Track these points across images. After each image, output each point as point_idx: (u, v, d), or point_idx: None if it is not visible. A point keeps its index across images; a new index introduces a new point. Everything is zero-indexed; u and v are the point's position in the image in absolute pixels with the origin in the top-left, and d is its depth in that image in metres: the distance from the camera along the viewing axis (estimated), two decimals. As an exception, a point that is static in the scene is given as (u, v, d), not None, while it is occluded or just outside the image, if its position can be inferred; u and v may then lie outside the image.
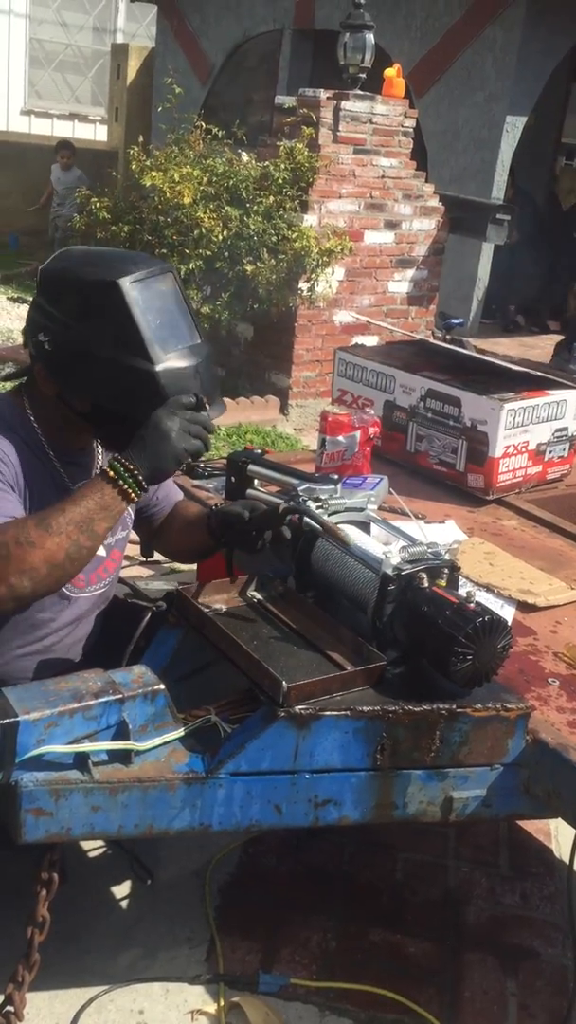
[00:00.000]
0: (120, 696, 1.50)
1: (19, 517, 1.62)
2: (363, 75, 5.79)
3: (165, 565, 3.37)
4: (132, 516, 1.97)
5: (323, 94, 5.65)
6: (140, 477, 1.61)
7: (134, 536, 2.06)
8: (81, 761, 1.48)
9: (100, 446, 1.85)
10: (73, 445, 1.80)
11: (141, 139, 5.87)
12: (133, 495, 1.61)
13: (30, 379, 1.76)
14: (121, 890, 2.07)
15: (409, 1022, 1.84)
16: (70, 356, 1.63)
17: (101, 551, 1.86)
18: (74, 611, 1.86)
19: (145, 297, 1.61)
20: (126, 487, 1.60)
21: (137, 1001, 1.82)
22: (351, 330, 5.95)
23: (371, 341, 5.80)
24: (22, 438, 1.72)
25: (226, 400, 5.56)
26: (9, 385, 1.92)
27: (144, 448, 1.61)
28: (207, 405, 1.65)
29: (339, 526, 1.88)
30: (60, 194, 9.53)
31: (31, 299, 1.73)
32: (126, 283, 1.59)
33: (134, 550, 2.30)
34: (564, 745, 1.65)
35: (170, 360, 1.61)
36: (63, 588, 1.76)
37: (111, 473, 1.60)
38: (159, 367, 1.60)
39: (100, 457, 1.86)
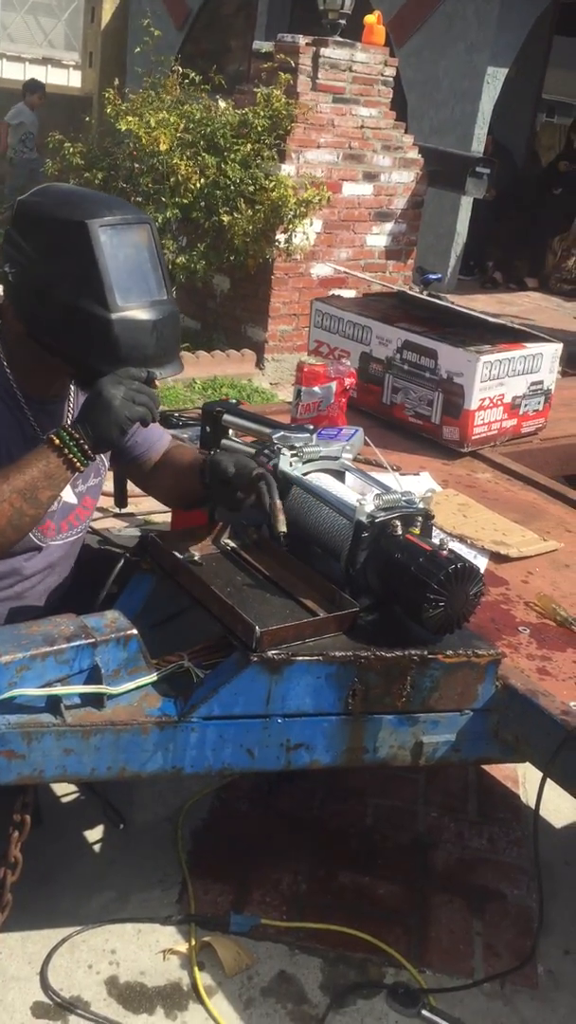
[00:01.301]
0: (93, 640, 1.50)
1: None
2: (343, 22, 5.68)
3: (139, 517, 3.36)
4: (106, 463, 1.95)
5: (302, 40, 5.55)
6: (85, 446, 1.59)
7: (108, 488, 2.04)
8: (53, 704, 1.48)
9: (75, 388, 1.82)
10: (46, 391, 1.77)
11: (117, 82, 5.74)
12: (78, 464, 1.60)
13: (3, 318, 1.73)
14: (94, 834, 2.09)
15: (377, 960, 1.88)
16: (32, 292, 1.61)
17: (72, 498, 1.85)
18: (45, 558, 1.85)
19: (114, 243, 1.57)
20: (71, 456, 1.59)
21: (109, 941, 1.85)
22: (328, 283, 5.91)
23: (349, 295, 5.75)
24: None
25: (201, 353, 5.53)
26: None
27: (87, 417, 1.59)
28: (156, 382, 1.63)
29: (314, 474, 1.89)
30: (28, 138, 9.27)
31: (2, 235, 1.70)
32: (95, 225, 1.55)
33: (108, 502, 2.28)
34: (533, 691, 1.67)
35: (128, 311, 1.58)
36: (32, 537, 1.75)
37: (56, 441, 1.59)
38: (115, 316, 1.56)
39: (73, 404, 1.83)
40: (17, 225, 1.63)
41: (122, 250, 1.59)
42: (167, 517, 2.61)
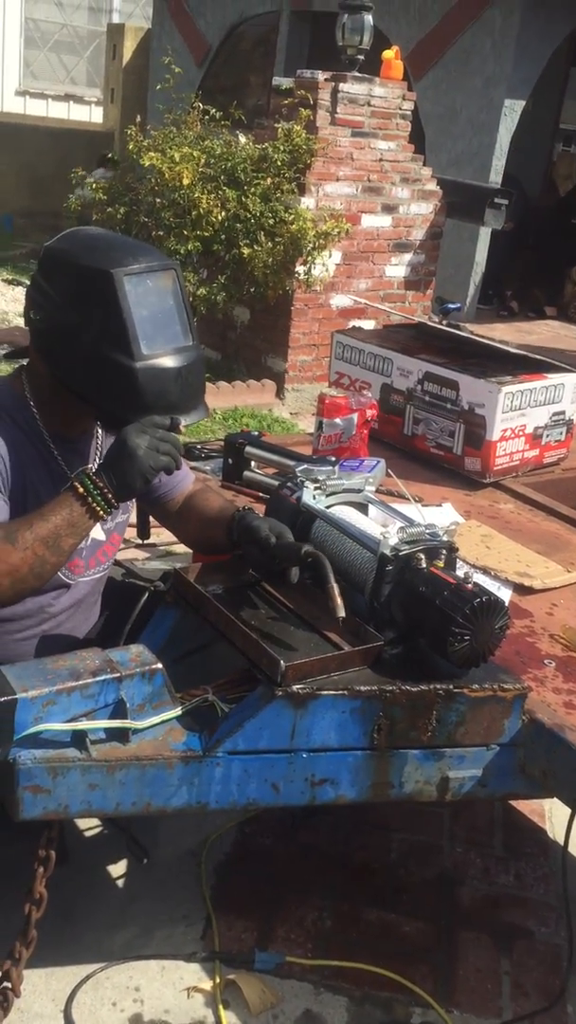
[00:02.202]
0: (118, 675, 1.50)
1: None
2: (361, 57, 5.75)
3: (161, 548, 3.37)
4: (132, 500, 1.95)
5: (321, 76, 5.62)
6: (109, 495, 1.60)
7: (132, 518, 2.05)
8: (79, 739, 1.48)
9: (100, 428, 1.84)
10: (72, 429, 1.78)
11: (138, 120, 5.83)
12: (101, 512, 1.61)
13: (29, 360, 1.75)
14: (118, 869, 2.08)
15: (403, 1000, 1.85)
16: (58, 337, 1.63)
17: (101, 535, 1.86)
18: (73, 596, 1.85)
19: (138, 291, 1.59)
20: (94, 504, 1.60)
21: (133, 978, 1.83)
22: (348, 314, 5.94)
23: (368, 325, 5.78)
24: (18, 424, 1.71)
25: (222, 383, 5.56)
26: (9, 367, 1.91)
27: (112, 466, 1.60)
28: (181, 428, 1.64)
29: (337, 507, 1.89)
30: None
31: (29, 278, 1.73)
32: (120, 274, 1.57)
33: (131, 532, 2.29)
34: (560, 725, 1.65)
35: (153, 359, 1.59)
36: (61, 575, 1.75)
37: (80, 489, 1.59)
38: (139, 365, 1.58)
39: (100, 441, 1.85)
40: (43, 271, 1.66)
41: (147, 298, 1.61)
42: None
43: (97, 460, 1.83)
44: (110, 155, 8.76)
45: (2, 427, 1.68)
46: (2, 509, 1.65)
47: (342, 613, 1.62)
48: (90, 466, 1.66)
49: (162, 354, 1.61)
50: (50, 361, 1.67)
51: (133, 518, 2.05)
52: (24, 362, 1.79)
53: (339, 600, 1.62)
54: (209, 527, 1.88)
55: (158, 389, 1.61)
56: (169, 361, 1.62)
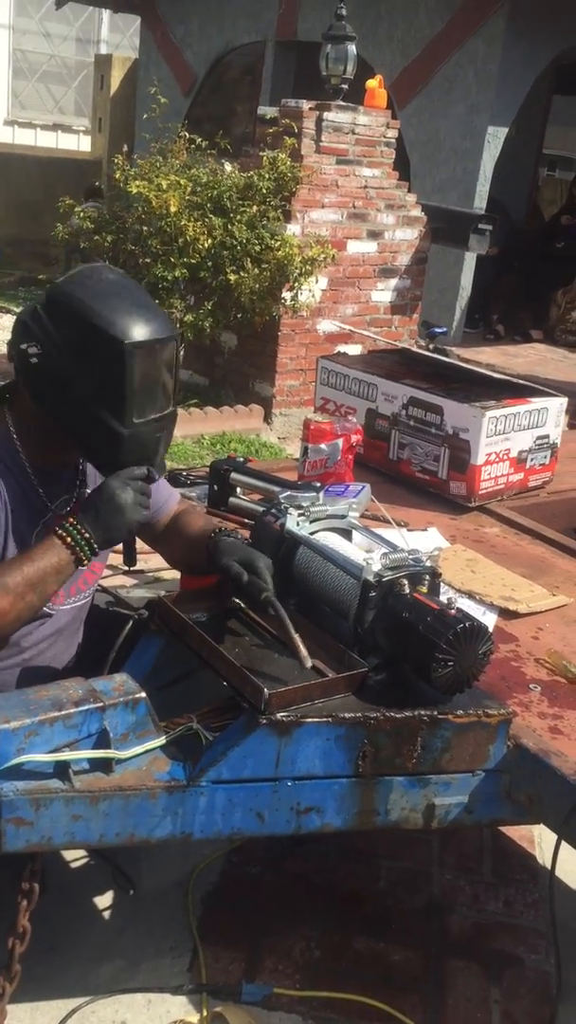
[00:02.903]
0: (101, 704, 1.49)
1: None
2: (345, 86, 5.82)
3: (149, 574, 3.36)
4: None
5: (305, 105, 5.68)
6: (94, 544, 1.64)
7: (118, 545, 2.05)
8: (62, 770, 1.47)
9: (86, 461, 1.84)
10: (56, 461, 1.79)
11: (125, 149, 5.87)
12: (85, 560, 1.65)
13: (13, 391, 1.75)
14: (103, 900, 2.06)
15: (393, 1030, 1.83)
16: (51, 379, 1.63)
17: None
18: (53, 624, 1.85)
19: (143, 364, 1.61)
20: (80, 552, 1.63)
21: (120, 1012, 1.81)
22: (335, 339, 5.97)
23: (354, 350, 5.81)
24: (0, 455, 1.71)
25: (210, 409, 5.58)
26: None
27: (98, 517, 1.64)
28: (155, 475, 1.69)
29: (321, 533, 1.89)
30: None
31: (19, 310, 1.73)
32: (131, 348, 1.58)
33: (117, 559, 2.29)
34: (545, 750, 1.65)
35: (139, 427, 1.63)
36: None
37: (68, 539, 1.62)
38: (127, 432, 1.62)
39: (82, 469, 1.85)
40: (50, 311, 1.64)
41: (147, 368, 1.63)
42: (176, 574, 2.61)
43: (77, 492, 1.83)
44: (98, 184, 8.83)
45: None
46: None
47: (309, 664, 1.62)
48: (72, 516, 1.66)
49: (148, 422, 1.65)
50: (39, 397, 1.67)
51: (118, 544, 2.05)
52: None
53: (303, 651, 1.63)
54: (191, 549, 1.89)
55: (140, 453, 1.67)
56: (153, 428, 1.66)
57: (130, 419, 1.61)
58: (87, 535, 1.63)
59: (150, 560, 2.58)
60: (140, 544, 2.12)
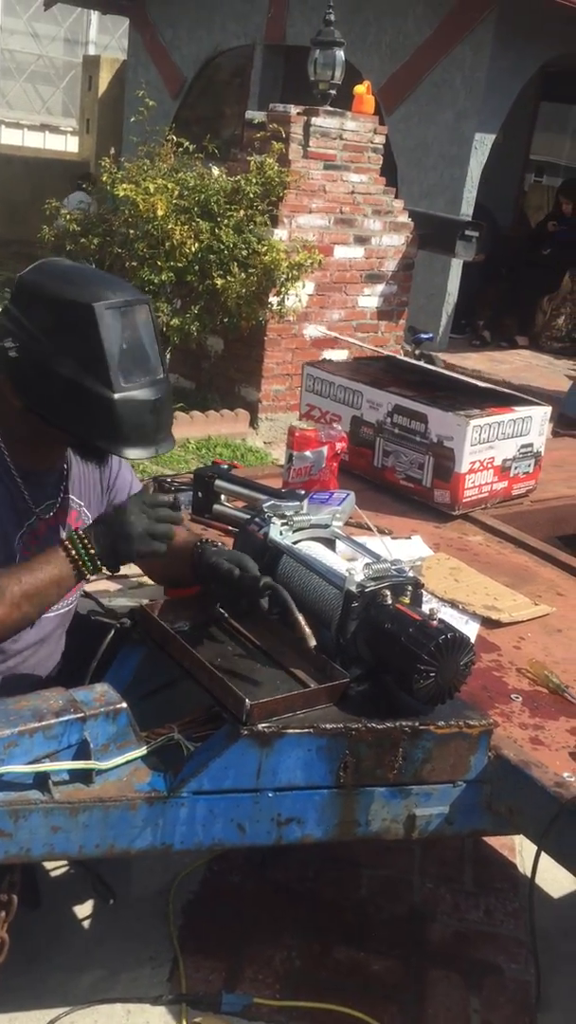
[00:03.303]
0: (82, 715, 1.49)
1: None
2: (333, 91, 5.82)
3: (133, 579, 3.35)
4: (83, 524, 1.93)
5: (293, 110, 5.68)
6: (99, 562, 1.62)
7: None
8: (41, 781, 1.46)
9: (75, 456, 1.83)
10: (40, 464, 1.79)
11: (112, 151, 5.86)
12: (87, 574, 1.63)
13: None
14: (83, 910, 2.05)
15: (373, 1040, 1.83)
16: (33, 368, 1.62)
17: None
18: (38, 632, 1.84)
19: (117, 325, 1.61)
20: (83, 566, 1.62)
21: (98, 1022, 1.81)
22: (321, 344, 5.97)
23: (341, 355, 5.82)
24: None
25: (195, 413, 5.56)
26: None
27: (107, 536, 1.62)
28: (181, 507, 1.68)
29: (304, 542, 1.89)
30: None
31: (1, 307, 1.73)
32: (101, 307, 1.58)
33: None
34: (526, 762, 1.65)
35: (130, 391, 1.61)
36: None
37: (72, 552, 1.61)
38: (118, 396, 1.60)
39: (69, 470, 1.84)
40: (18, 302, 1.66)
41: (125, 331, 1.62)
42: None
43: (62, 496, 1.83)
44: (85, 185, 8.80)
45: None
46: None
47: (313, 642, 1.63)
48: (82, 530, 1.65)
49: (138, 386, 1.63)
50: (24, 392, 1.66)
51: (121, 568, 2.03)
52: None
53: (307, 630, 1.64)
54: (174, 563, 1.87)
55: (135, 420, 1.63)
56: (145, 393, 1.64)
57: (118, 382, 1.60)
58: (93, 551, 1.61)
59: (133, 566, 2.57)
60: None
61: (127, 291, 1.67)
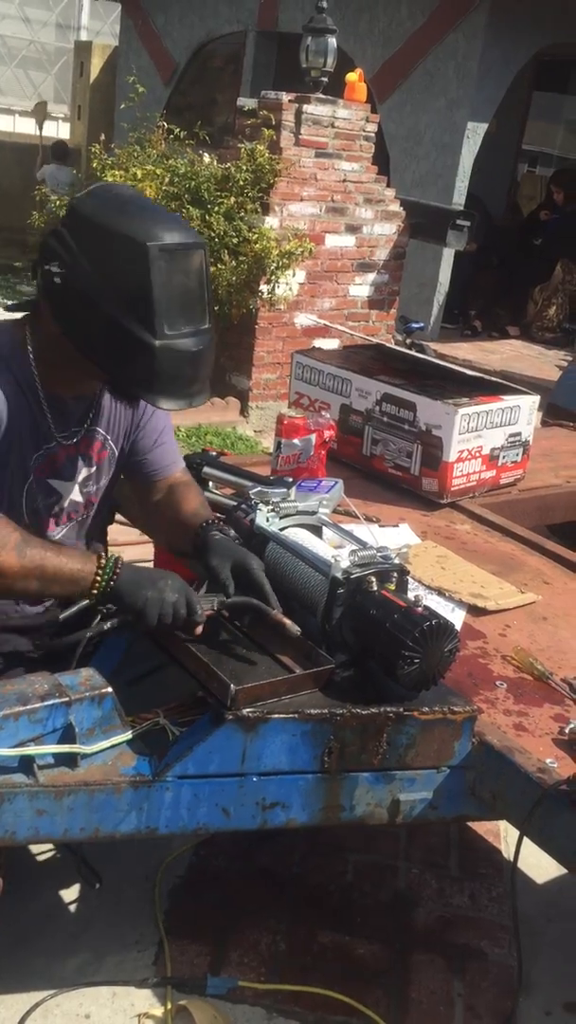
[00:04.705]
0: (67, 699, 1.49)
1: (6, 522, 1.60)
2: (325, 79, 5.80)
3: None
4: (114, 464, 1.90)
5: (285, 97, 5.66)
6: (111, 588, 1.60)
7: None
8: (26, 764, 1.46)
9: (107, 390, 1.78)
10: (70, 391, 1.74)
11: (103, 137, 5.84)
12: (95, 592, 1.60)
13: (35, 312, 1.70)
14: (69, 894, 2.06)
15: (357, 1023, 1.85)
16: (75, 297, 1.56)
17: (78, 496, 1.84)
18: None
19: (169, 268, 1.54)
20: (100, 584, 1.60)
21: (84, 1005, 1.82)
22: (312, 333, 5.97)
23: (331, 344, 5.82)
24: (14, 374, 1.67)
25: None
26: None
27: (133, 580, 1.60)
28: (199, 618, 1.63)
29: (291, 529, 1.89)
30: (59, 193, 9.37)
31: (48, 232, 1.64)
32: (155, 248, 1.52)
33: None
34: (509, 747, 1.66)
35: (172, 339, 1.56)
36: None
37: (101, 561, 1.60)
38: (159, 343, 1.54)
39: (97, 406, 1.80)
40: (70, 227, 1.59)
41: (176, 276, 1.56)
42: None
43: (87, 426, 1.80)
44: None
45: (4, 387, 1.64)
46: None
47: (297, 630, 1.63)
48: (120, 556, 1.63)
49: (181, 335, 1.57)
50: (63, 319, 1.61)
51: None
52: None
53: (287, 620, 1.64)
54: (177, 530, 1.85)
55: (172, 370, 1.58)
56: (187, 343, 1.58)
57: (161, 329, 1.53)
58: (115, 579, 1.59)
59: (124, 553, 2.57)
60: (112, 537, 2.11)
61: (185, 232, 1.59)
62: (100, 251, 1.55)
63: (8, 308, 1.97)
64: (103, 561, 1.61)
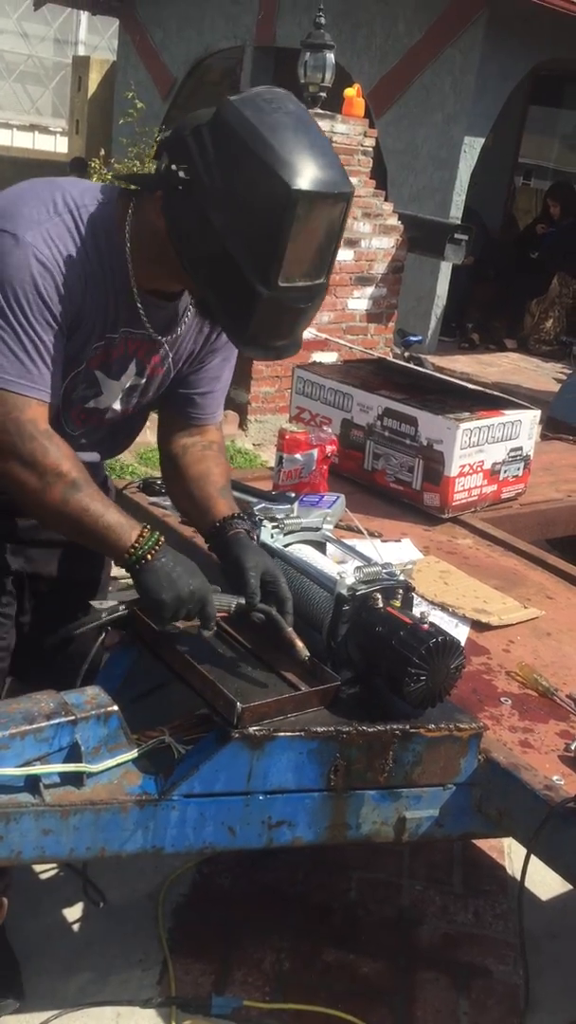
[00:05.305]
0: (73, 718, 1.48)
1: (69, 460, 1.51)
2: (323, 94, 5.83)
3: (122, 581, 3.35)
4: (165, 385, 1.76)
5: (284, 112, 5.67)
6: (141, 563, 1.53)
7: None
8: (32, 784, 1.45)
9: (193, 304, 1.62)
10: (155, 285, 1.58)
11: (102, 152, 5.86)
12: (123, 558, 1.54)
13: (145, 191, 1.53)
14: (73, 913, 2.05)
15: (362, 1043, 1.84)
16: (193, 209, 1.41)
17: (117, 403, 1.71)
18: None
19: (307, 218, 1.38)
20: (128, 559, 1.53)
21: (88, 1026, 1.81)
22: (310, 346, 5.97)
23: (330, 357, 5.83)
24: (102, 254, 1.51)
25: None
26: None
27: (155, 581, 1.54)
28: (212, 625, 1.60)
29: (295, 545, 1.89)
30: None
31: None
32: (299, 196, 1.35)
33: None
34: (515, 764, 1.66)
35: (283, 291, 1.42)
36: (67, 428, 1.66)
37: (142, 536, 1.53)
38: (267, 294, 1.41)
39: (185, 323, 1.68)
40: (213, 129, 1.39)
41: (310, 224, 1.40)
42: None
43: (154, 331, 1.63)
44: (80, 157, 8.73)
45: (86, 264, 1.49)
46: (54, 349, 1.48)
47: (306, 654, 1.63)
48: (160, 539, 1.55)
49: (294, 289, 1.43)
50: (172, 221, 1.45)
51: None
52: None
53: (299, 642, 1.63)
54: (195, 503, 1.78)
55: (271, 321, 1.47)
56: (296, 297, 1.45)
57: (275, 280, 1.39)
58: (144, 564, 1.53)
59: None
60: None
61: (336, 174, 1.41)
62: (237, 173, 1.37)
63: (117, 177, 1.78)
64: (141, 539, 1.53)
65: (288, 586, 1.69)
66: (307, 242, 1.42)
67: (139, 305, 1.57)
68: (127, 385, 1.69)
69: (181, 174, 1.40)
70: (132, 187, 1.57)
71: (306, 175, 1.36)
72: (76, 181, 1.59)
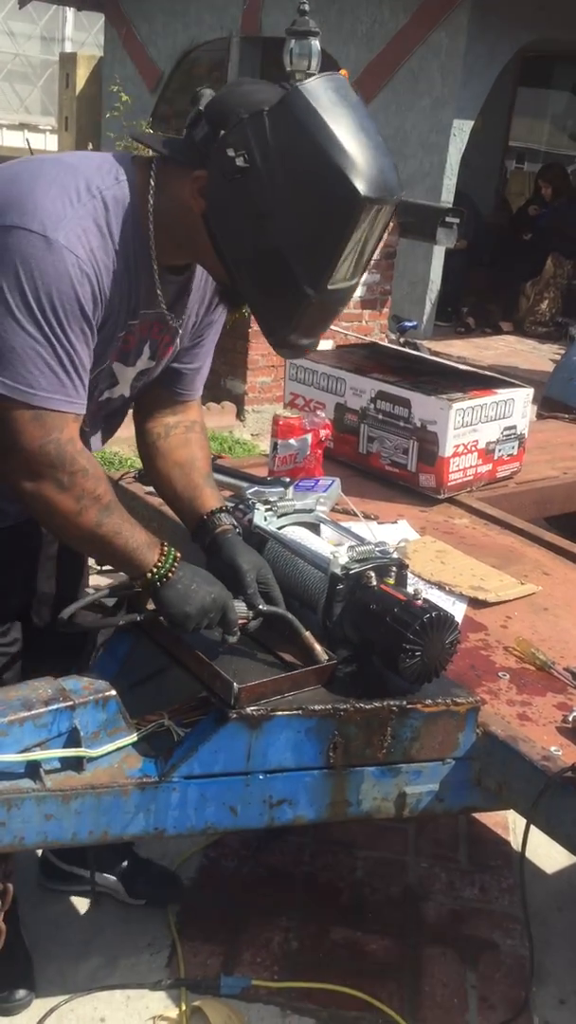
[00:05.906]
0: (71, 703, 1.50)
1: (103, 482, 1.48)
2: (310, 81, 5.81)
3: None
4: (168, 363, 1.72)
5: (271, 100, 5.67)
6: (161, 582, 1.54)
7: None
8: (33, 769, 1.47)
9: (217, 291, 1.58)
10: (172, 260, 1.51)
11: (91, 147, 5.85)
12: (139, 582, 1.55)
13: (174, 162, 1.42)
14: (79, 899, 2.07)
15: (371, 1018, 1.85)
16: (246, 199, 1.34)
17: (127, 391, 1.68)
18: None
19: (366, 223, 1.36)
20: (151, 579, 1.53)
21: (98, 1009, 1.82)
22: (305, 335, 5.98)
23: (326, 345, 5.82)
24: (125, 235, 1.43)
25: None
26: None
27: (177, 597, 1.55)
28: (235, 631, 1.60)
29: (289, 527, 1.90)
30: None
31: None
32: (365, 202, 1.31)
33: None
34: (514, 737, 1.67)
35: (330, 294, 1.40)
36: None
37: (163, 550, 1.54)
38: (316, 297, 1.39)
39: (193, 295, 1.62)
40: (276, 119, 1.32)
41: (365, 230, 1.38)
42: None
43: (166, 310, 1.56)
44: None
45: (113, 256, 1.42)
46: (86, 359, 1.43)
47: (325, 657, 1.63)
48: (177, 556, 1.55)
49: (336, 291, 1.41)
50: (216, 208, 1.38)
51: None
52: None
53: (318, 646, 1.63)
54: (178, 497, 1.77)
55: (310, 322, 1.46)
56: (339, 299, 1.45)
57: (325, 283, 1.37)
58: (166, 581, 1.53)
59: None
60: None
61: (395, 180, 1.38)
62: (304, 173, 1.31)
63: (138, 138, 1.66)
64: (162, 558, 1.53)
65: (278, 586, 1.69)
66: (361, 245, 1.40)
67: (157, 283, 1.51)
68: (140, 370, 1.65)
69: (239, 162, 1.32)
70: (150, 153, 1.47)
71: (374, 181, 1.32)
72: (85, 156, 1.49)
